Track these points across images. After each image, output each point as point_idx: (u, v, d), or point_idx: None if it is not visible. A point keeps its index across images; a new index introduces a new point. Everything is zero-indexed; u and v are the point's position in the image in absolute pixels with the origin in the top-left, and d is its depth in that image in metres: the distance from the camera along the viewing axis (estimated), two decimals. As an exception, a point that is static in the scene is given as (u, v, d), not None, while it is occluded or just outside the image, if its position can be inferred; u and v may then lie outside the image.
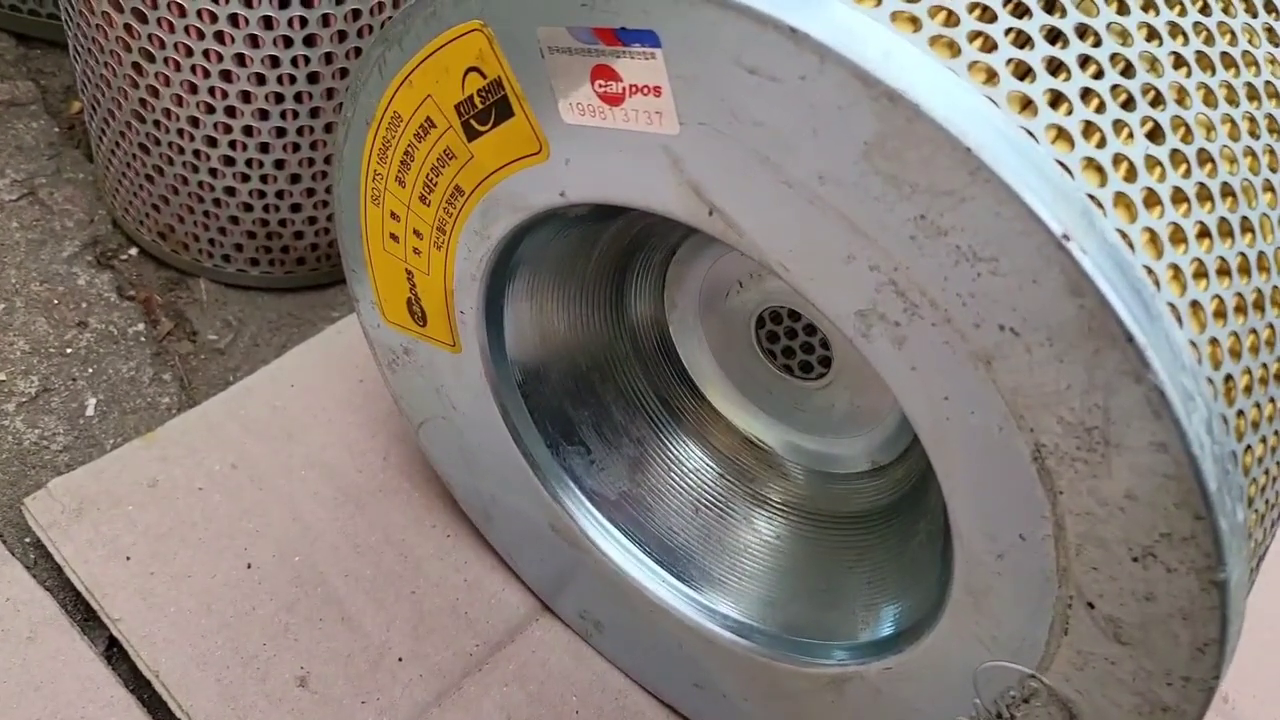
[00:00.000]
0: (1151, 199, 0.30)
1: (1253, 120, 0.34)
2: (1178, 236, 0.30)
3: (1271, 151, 0.34)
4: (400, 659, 0.57)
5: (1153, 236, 0.30)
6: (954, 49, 0.30)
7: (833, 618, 0.47)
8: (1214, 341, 0.30)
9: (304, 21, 0.56)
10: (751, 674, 0.49)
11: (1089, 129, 0.30)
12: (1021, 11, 0.32)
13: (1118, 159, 0.30)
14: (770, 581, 0.51)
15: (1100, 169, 0.29)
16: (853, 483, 0.53)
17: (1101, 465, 0.30)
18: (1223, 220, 0.32)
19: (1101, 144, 0.30)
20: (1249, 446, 0.31)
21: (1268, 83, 0.35)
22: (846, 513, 0.52)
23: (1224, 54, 0.34)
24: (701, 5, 0.30)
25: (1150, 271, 0.29)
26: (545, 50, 0.35)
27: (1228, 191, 0.32)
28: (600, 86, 0.34)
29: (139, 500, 0.60)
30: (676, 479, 0.54)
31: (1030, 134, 0.29)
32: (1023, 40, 0.31)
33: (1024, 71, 0.30)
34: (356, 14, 0.58)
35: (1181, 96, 0.32)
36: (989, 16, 0.31)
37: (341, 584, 0.59)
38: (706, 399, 0.56)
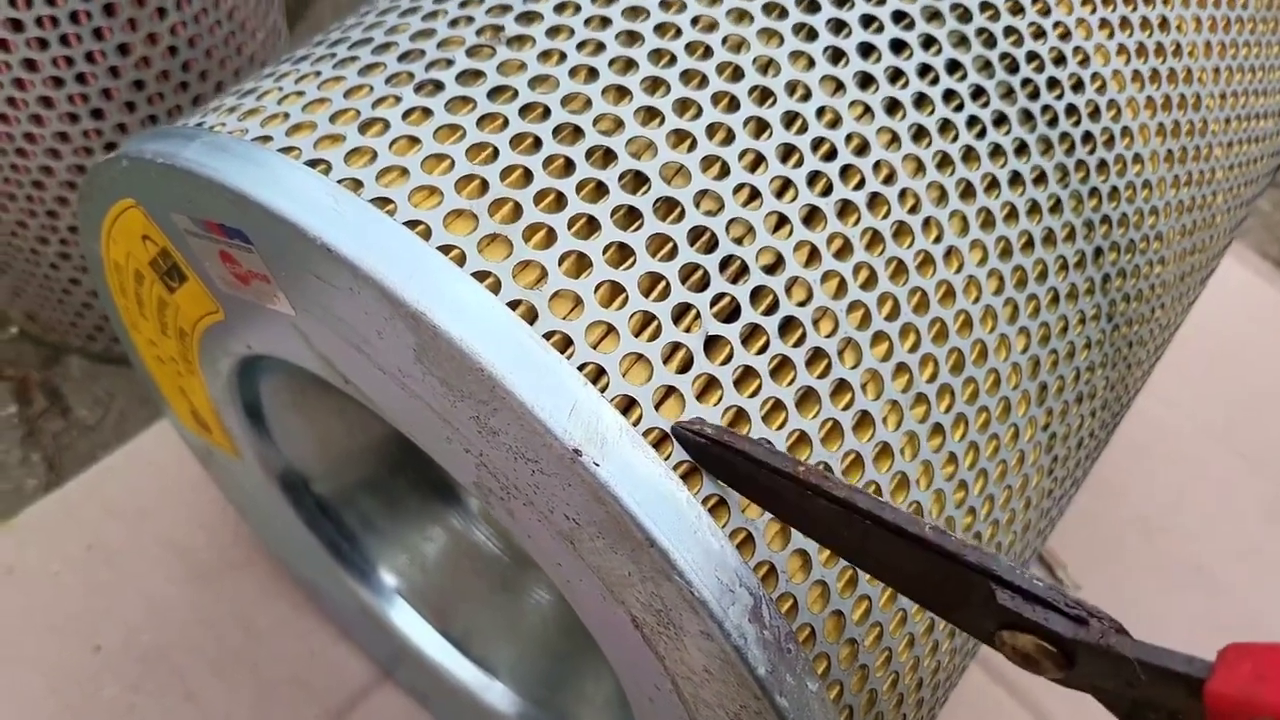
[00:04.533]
0: (711, 386, 0.31)
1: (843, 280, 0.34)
2: (741, 419, 0.31)
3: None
4: (240, 732, 0.60)
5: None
6: (509, 247, 0.30)
7: (587, 714, 0.48)
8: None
9: (98, 133, 0.58)
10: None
11: (646, 320, 0.30)
12: (600, 193, 0.32)
13: (674, 347, 0.30)
14: (548, 667, 0.52)
15: (648, 364, 0.30)
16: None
17: (679, 641, 0.31)
18: (808, 389, 0.32)
19: (655, 334, 0.30)
20: (837, 611, 0.32)
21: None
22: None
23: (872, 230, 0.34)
24: (267, 215, 0.31)
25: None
26: (183, 232, 0.36)
27: (821, 355, 0.32)
28: (229, 267, 0.35)
29: (-6, 588, 0.63)
30: (470, 562, 0.56)
31: (568, 339, 0.29)
32: (591, 228, 0.31)
33: (583, 268, 0.31)
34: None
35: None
36: (559, 204, 0.31)
37: (186, 660, 0.62)
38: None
